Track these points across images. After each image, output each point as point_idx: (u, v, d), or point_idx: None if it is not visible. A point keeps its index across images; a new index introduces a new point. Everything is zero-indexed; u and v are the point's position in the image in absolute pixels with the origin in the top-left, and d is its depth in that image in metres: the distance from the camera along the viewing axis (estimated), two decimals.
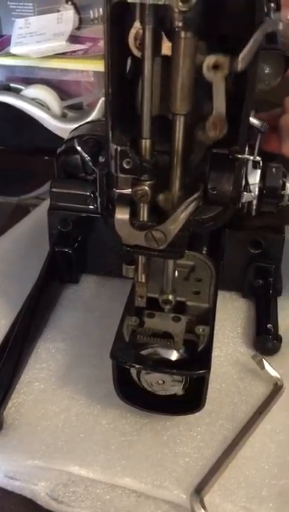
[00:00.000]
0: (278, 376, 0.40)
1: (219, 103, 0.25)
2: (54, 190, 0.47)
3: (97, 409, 0.38)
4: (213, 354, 0.40)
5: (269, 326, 0.44)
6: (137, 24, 0.25)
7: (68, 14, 0.78)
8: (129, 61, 0.27)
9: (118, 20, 0.24)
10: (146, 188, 0.28)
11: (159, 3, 0.22)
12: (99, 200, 0.29)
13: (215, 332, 0.41)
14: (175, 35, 0.24)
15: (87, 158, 0.32)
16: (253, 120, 0.39)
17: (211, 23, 0.24)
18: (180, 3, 0.22)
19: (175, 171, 0.28)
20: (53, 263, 0.48)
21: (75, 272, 0.50)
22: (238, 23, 0.25)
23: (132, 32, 0.25)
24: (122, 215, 0.29)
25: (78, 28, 0.82)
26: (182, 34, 0.23)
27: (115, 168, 0.28)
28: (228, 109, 0.26)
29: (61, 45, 0.76)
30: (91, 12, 0.82)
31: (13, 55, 0.75)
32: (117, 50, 0.26)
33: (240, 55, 0.23)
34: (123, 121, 0.27)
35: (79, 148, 0.34)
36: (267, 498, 0.32)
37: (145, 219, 0.30)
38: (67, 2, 0.82)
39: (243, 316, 0.47)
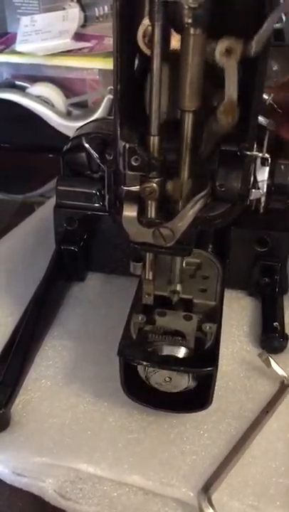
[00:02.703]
0: (285, 374, 0.40)
1: (231, 89, 0.25)
2: (60, 188, 0.47)
3: (104, 407, 0.38)
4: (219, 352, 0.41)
5: (275, 324, 0.44)
6: (145, 21, 0.25)
7: (74, 12, 0.78)
8: (137, 59, 0.27)
9: (127, 17, 0.24)
10: (155, 185, 0.28)
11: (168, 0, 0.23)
12: (107, 197, 0.29)
13: (221, 330, 0.41)
14: (184, 32, 0.24)
15: (95, 155, 0.32)
16: (259, 118, 0.39)
17: (220, 19, 0.24)
18: (189, 1, 0.22)
19: (184, 168, 0.28)
20: (59, 261, 0.48)
21: (81, 270, 0.50)
22: (247, 19, 0.24)
23: (141, 29, 0.25)
24: (130, 212, 0.29)
25: (83, 26, 0.82)
26: (192, 31, 0.23)
27: (123, 165, 0.28)
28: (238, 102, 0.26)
29: (66, 42, 0.76)
30: (96, 10, 0.82)
31: (19, 53, 0.75)
32: (125, 47, 0.26)
33: (255, 38, 0.23)
34: (131, 118, 0.27)
35: (87, 145, 0.34)
36: (274, 497, 0.32)
37: (153, 216, 0.30)
38: (72, 0, 0.82)
39: (249, 315, 0.46)
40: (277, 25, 0.28)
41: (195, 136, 0.27)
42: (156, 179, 0.28)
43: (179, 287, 0.34)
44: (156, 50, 0.25)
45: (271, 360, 0.40)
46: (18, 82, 0.76)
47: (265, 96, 0.40)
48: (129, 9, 0.24)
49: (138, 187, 0.29)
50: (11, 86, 0.76)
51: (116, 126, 0.27)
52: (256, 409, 0.38)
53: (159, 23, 0.24)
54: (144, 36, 0.25)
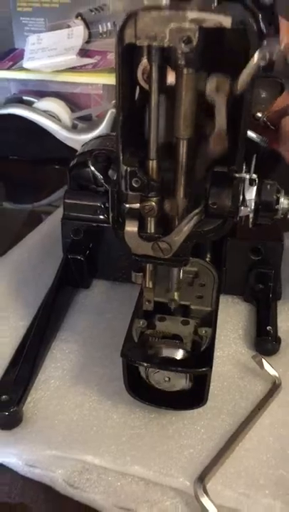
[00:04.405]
0: (277, 375, 0.42)
1: (221, 121, 0.28)
2: (67, 201, 0.49)
3: (108, 405, 0.40)
4: (215, 354, 0.42)
5: (269, 328, 0.46)
6: (144, 60, 0.28)
7: (78, 30, 0.81)
8: (138, 90, 0.30)
9: (128, 58, 0.27)
10: (153, 203, 0.31)
11: (164, 45, 0.26)
12: (110, 214, 0.32)
13: (218, 334, 0.43)
14: (178, 72, 0.27)
15: (100, 176, 0.35)
16: (252, 135, 0.42)
17: (212, 56, 0.27)
18: (183, 46, 0.25)
19: (179, 188, 0.31)
20: (66, 269, 0.50)
21: (87, 278, 0.52)
22: (235, 56, 0.27)
23: (140, 67, 0.28)
24: (131, 227, 0.32)
25: (88, 42, 0.84)
26: (185, 71, 0.26)
27: (125, 186, 0.31)
28: (227, 131, 0.29)
29: (72, 59, 0.79)
30: (100, 26, 0.84)
31: (26, 70, 0.78)
32: (127, 82, 0.29)
33: (239, 79, 0.26)
34: (132, 144, 0.30)
35: (92, 168, 0.37)
36: (264, 486, 0.35)
37: (152, 231, 0.33)
38: (77, 17, 0.85)
39: (245, 319, 0.48)
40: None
41: (189, 160, 0.30)
42: (155, 198, 0.31)
43: (176, 295, 0.36)
44: (154, 86, 0.28)
45: (264, 361, 0.42)
46: (25, 97, 0.79)
47: (259, 114, 0.43)
48: (130, 51, 0.27)
49: (138, 205, 0.32)
50: (19, 101, 0.78)
51: (118, 152, 0.30)
52: (249, 407, 0.40)
53: (156, 63, 0.27)
54: (143, 73, 0.28)
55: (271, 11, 0.47)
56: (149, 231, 0.33)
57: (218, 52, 0.28)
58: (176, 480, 0.35)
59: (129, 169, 0.30)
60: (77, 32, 0.80)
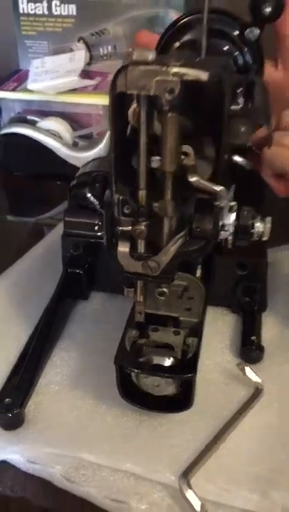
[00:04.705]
0: (259, 381, 0.45)
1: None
2: (67, 219, 0.52)
3: (103, 409, 0.43)
4: (203, 362, 0.46)
5: (253, 338, 0.49)
6: (134, 104, 0.32)
7: (80, 54, 0.84)
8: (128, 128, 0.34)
9: (120, 103, 0.31)
10: (143, 227, 0.35)
11: (151, 94, 0.30)
12: (105, 236, 0.36)
13: (206, 343, 0.46)
14: (163, 115, 0.31)
15: (96, 202, 0.39)
16: (238, 159, 0.46)
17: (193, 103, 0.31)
18: (166, 95, 0.29)
19: (167, 213, 0.35)
20: (66, 282, 0.53)
21: (86, 290, 0.54)
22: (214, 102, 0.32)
23: (131, 109, 0.32)
24: (123, 248, 0.36)
25: (89, 64, 0.87)
26: (169, 115, 0.30)
27: (118, 212, 0.35)
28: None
29: (73, 80, 0.81)
30: (101, 49, 0.88)
31: (30, 91, 0.81)
32: (119, 122, 0.33)
33: None
34: (124, 175, 0.34)
35: (89, 195, 0.41)
36: (243, 482, 0.38)
37: (142, 251, 0.36)
38: (78, 41, 0.88)
39: (232, 329, 0.51)
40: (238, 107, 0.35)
41: (174, 191, 0.34)
42: (144, 223, 0.35)
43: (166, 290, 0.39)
44: (142, 128, 0.31)
45: (247, 368, 0.45)
46: (29, 117, 0.81)
47: None
48: (122, 97, 0.31)
49: (130, 228, 0.35)
50: (23, 120, 0.81)
51: (112, 182, 0.34)
52: (233, 411, 0.43)
53: (144, 108, 0.31)
54: (133, 116, 0.32)
55: (256, 46, 0.51)
56: (139, 251, 0.36)
57: (199, 98, 0.32)
58: (164, 475, 0.38)
59: (121, 197, 0.34)
60: (79, 55, 0.84)
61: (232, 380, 0.47)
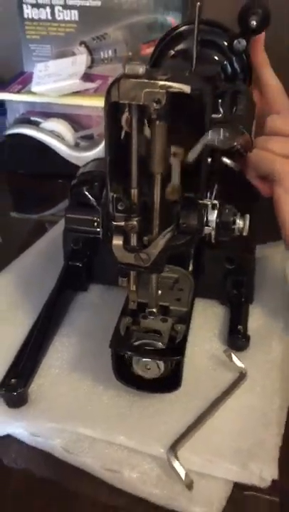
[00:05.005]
0: (243, 366, 0.48)
1: (176, 178, 0.36)
2: (68, 215, 0.55)
3: (100, 390, 0.47)
4: (193, 350, 0.50)
5: (240, 327, 0.52)
6: (127, 112, 0.36)
7: (82, 58, 0.88)
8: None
9: (114, 110, 0.35)
10: (135, 222, 0.39)
11: (140, 103, 0.33)
12: (101, 230, 0.40)
13: (196, 332, 0.50)
14: (152, 123, 0.34)
15: (93, 200, 0.43)
16: (226, 161, 0.49)
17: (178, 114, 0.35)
18: (154, 105, 0.33)
19: (156, 211, 0.39)
20: (66, 274, 0.56)
21: (85, 282, 0.57)
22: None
23: (124, 116, 0.36)
24: (117, 241, 0.40)
25: (90, 67, 0.90)
26: (156, 123, 0.34)
27: (112, 209, 0.38)
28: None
29: (75, 83, 0.84)
30: (102, 53, 0.91)
31: (34, 93, 0.84)
32: (113, 127, 0.36)
33: (189, 153, 0.34)
34: (118, 175, 0.38)
35: (86, 193, 0.45)
36: (226, 454, 0.41)
37: (134, 244, 0.39)
38: (80, 45, 0.92)
39: (220, 320, 0.54)
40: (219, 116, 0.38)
41: (163, 189, 0.38)
42: (136, 218, 0.38)
43: (155, 311, 0.43)
44: (134, 132, 0.35)
45: (233, 355, 0.49)
46: (32, 118, 0.84)
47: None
48: (115, 106, 0.35)
49: (123, 223, 0.39)
50: (27, 121, 0.84)
51: (107, 182, 0.38)
52: (219, 393, 0.46)
53: (135, 116, 0.35)
54: (126, 122, 0.36)
55: (244, 56, 0.55)
56: (132, 244, 0.40)
57: (184, 108, 0.36)
58: (153, 448, 0.42)
59: (115, 195, 0.38)
60: (81, 60, 0.87)
61: (219, 365, 0.50)
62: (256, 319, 0.55)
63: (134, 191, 0.38)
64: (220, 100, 0.39)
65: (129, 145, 0.36)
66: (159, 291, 0.43)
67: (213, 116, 0.37)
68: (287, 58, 0.61)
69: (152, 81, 0.33)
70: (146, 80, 0.33)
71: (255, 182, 0.51)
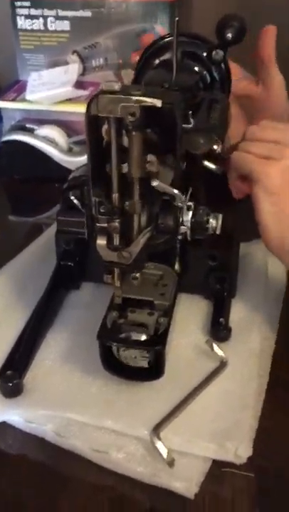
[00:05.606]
0: (223, 355, 0.51)
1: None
2: (60, 218, 0.58)
3: (89, 380, 0.49)
4: (178, 342, 0.53)
5: (221, 320, 0.55)
6: (106, 125, 0.39)
7: (74, 66, 0.91)
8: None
9: (94, 122, 0.39)
10: (117, 224, 0.42)
11: (117, 116, 0.37)
12: (86, 231, 0.44)
13: (181, 325, 0.53)
14: (128, 133, 0.38)
15: (79, 204, 0.46)
16: (209, 165, 0.53)
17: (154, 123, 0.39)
18: (129, 117, 0.37)
19: (136, 212, 0.43)
20: (59, 274, 0.59)
21: (77, 280, 0.60)
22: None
23: (104, 128, 0.39)
24: (101, 241, 0.43)
25: (82, 75, 0.94)
26: (133, 133, 0.38)
27: (95, 211, 0.42)
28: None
29: (68, 90, 0.88)
30: (93, 61, 0.94)
31: (29, 101, 0.88)
32: (94, 138, 0.40)
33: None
34: (100, 181, 0.42)
35: (72, 197, 0.48)
36: (204, 435, 0.44)
37: (117, 243, 0.43)
38: (73, 53, 0.95)
39: (204, 313, 0.57)
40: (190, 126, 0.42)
41: (142, 193, 0.41)
42: (118, 220, 0.42)
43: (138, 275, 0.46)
44: (113, 142, 0.39)
45: (214, 344, 0.52)
46: (28, 125, 0.87)
47: (215, 147, 0.54)
48: (95, 119, 0.38)
49: (106, 224, 0.43)
50: (22, 128, 0.87)
51: (89, 187, 0.41)
52: (201, 380, 0.50)
53: (113, 127, 0.38)
54: (106, 132, 0.39)
55: (222, 65, 0.58)
56: (114, 243, 0.43)
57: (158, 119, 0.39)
58: (138, 430, 0.45)
59: (97, 199, 0.41)
60: (73, 68, 0.91)
61: (201, 355, 0.53)
62: (237, 312, 0.58)
63: (115, 195, 0.41)
64: (190, 112, 0.42)
65: (109, 153, 0.39)
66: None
67: (184, 126, 0.40)
68: (288, 58, 0.64)
69: (127, 96, 0.36)
70: (122, 96, 0.36)
71: (235, 182, 0.55)
